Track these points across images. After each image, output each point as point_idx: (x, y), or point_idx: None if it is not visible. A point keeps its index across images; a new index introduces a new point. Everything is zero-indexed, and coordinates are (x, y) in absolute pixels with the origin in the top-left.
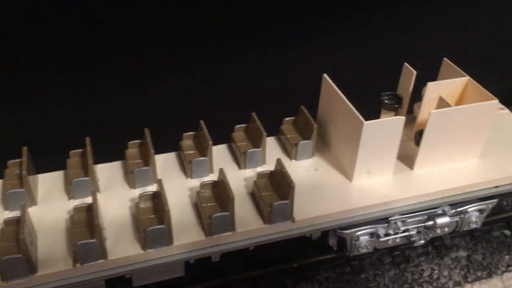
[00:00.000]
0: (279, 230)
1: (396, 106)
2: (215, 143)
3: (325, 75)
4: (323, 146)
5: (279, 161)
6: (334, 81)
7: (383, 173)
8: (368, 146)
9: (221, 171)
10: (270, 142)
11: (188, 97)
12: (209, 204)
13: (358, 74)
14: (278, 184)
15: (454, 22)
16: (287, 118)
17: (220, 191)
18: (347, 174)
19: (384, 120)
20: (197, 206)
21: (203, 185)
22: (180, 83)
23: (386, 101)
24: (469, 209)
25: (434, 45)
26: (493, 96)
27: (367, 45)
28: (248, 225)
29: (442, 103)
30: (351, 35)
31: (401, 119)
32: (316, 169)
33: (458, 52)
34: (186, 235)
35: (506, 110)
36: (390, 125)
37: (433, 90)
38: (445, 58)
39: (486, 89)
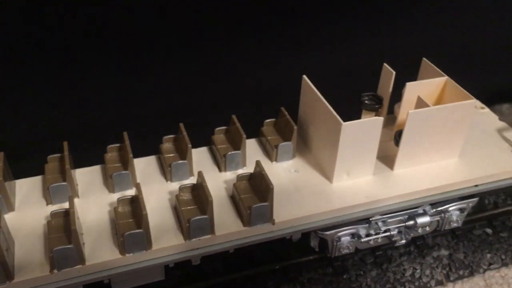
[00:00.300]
0: (259, 233)
1: (376, 106)
2: (196, 146)
3: (305, 77)
4: (304, 147)
5: (258, 163)
6: (315, 82)
7: (363, 173)
8: (347, 147)
9: (200, 174)
10: (251, 144)
11: (168, 100)
12: (188, 208)
13: (339, 75)
14: (258, 187)
15: (435, 22)
16: (268, 120)
17: (199, 194)
18: (327, 175)
19: (362, 121)
20: (176, 210)
21: (182, 189)
22: (160, 86)
23: (366, 102)
24: (450, 208)
25: (415, 46)
26: (471, 96)
27: (348, 46)
28: (228, 228)
29: (420, 103)
30: (332, 36)
31: (379, 120)
32: (297, 171)
33: (439, 52)
34: (165, 239)
35: (487, 109)
36: (369, 125)
37: (412, 90)
38: (424, 58)
39: (467, 88)
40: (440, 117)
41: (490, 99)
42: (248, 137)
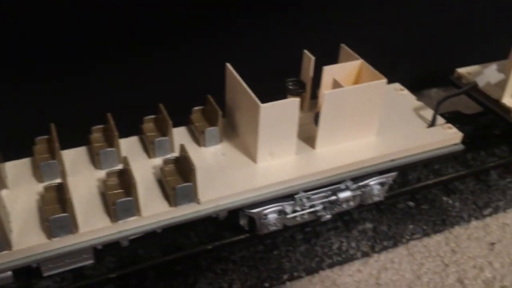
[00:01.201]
0: (185, 212)
1: (300, 91)
2: (125, 135)
3: (228, 65)
4: (231, 132)
5: (182, 147)
6: (242, 71)
7: (286, 154)
8: (267, 129)
9: (125, 159)
10: (181, 132)
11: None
12: (115, 192)
13: (265, 63)
14: (183, 169)
15: (359, 13)
16: (196, 108)
17: (124, 179)
18: (252, 156)
19: (279, 102)
20: (103, 194)
21: (109, 174)
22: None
23: (290, 87)
24: (371, 183)
25: (342, 37)
26: (383, 76)
27: (272, 36)
28: (154, 210)
29: (336, 85)
30: (255, 25)
31: (295, 101)
32: (224, 154)
33: (366, 42)
34: (92, 222)
35: (406, 91)
36: (286, 107)
37: (328, 73)
38: (342, 44)
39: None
40: (354, 97)
41: (420, 84)
42: (179, 125)
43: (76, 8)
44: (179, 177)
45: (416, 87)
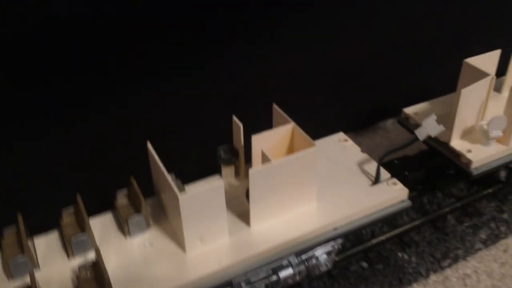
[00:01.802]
0: None
1: (233, 159)
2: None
3: (148, 143)
4: (161, 214)
5: (97, 252)
6: (159, 148)
7: (217, 237)
8: (191, 217)
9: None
10: (106, 220)
11: None
12: None
13: (192, 130)
14: (99, 276)
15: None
16: (121, 191)
17: None
18: (181, 244)
19: (201, 191)
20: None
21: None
22: None
23: (222, 156)
24: (316, 254)
25: (267, 91)
26: (313, 142)
27: (198, 97)
28: None
29: (264, 158)
30: (178, 88)
31: (220, 187)
32: (152, 243)
33: (302, 86)
34: None
35: (350, 142)
36: (210, 193)
37: (258, 143)
38: (274, 104)
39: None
40: (283, 170)
41: (376, 116)
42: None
43: None
44: (95, 284)
45: (371, 118)
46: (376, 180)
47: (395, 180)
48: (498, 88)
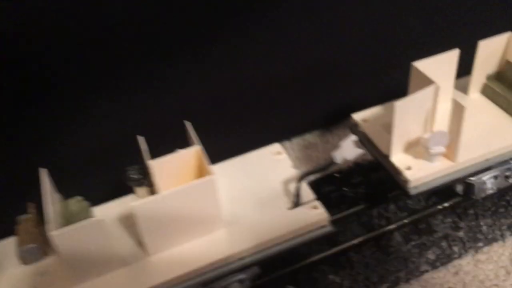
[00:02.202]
0: None
1: (144, 180)
2: None
3: (41, 170)
4: None
5: None
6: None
7: (107, 269)
8: (71, 255)
9: None
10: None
11: None
12: None
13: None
14: None
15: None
16: (23, 216)
17: None
18: (70, 277)
19: (74, 227)
20: None
21: None
22: None
23: (131, 176)
24: (224, 284)
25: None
26: (211, 171)
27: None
28: None
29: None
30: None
31: (99, 222)
32: (42, 274)
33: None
34: None
35: (283, 155)
36: (88, 229)
37: (160, 167)
38: (186, 122)
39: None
40: (174, 201)
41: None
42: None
43: None
44: None
45: (328, 120)
46: (296, 203)
47: (316, 203)
48: (464, 89)
